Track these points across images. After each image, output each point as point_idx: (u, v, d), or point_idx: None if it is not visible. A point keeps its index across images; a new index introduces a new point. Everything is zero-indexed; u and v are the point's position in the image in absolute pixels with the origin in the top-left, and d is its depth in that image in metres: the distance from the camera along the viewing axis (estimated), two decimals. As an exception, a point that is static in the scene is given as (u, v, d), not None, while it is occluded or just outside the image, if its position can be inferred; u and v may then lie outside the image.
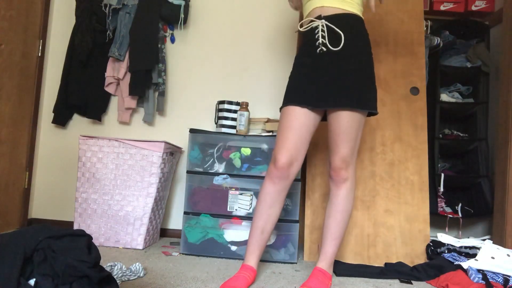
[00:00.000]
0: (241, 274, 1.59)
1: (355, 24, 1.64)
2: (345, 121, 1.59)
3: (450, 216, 2.67)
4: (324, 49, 1.60)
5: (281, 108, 1.68)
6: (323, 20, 1.61)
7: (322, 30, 1.60)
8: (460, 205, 2.73)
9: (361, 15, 1.68)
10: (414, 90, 2.36)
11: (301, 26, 1.70)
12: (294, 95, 1.63)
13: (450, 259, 1.96)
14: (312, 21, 1.64)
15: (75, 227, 2.23)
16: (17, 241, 1.08)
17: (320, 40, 1.60)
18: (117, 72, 2.52)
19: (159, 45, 2.55)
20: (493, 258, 1.83)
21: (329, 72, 1.59)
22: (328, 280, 1.64)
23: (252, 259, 1.65)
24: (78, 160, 2.31)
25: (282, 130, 1.63)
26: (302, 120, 1.61)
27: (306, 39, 1.69)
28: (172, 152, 2.37)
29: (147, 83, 2.51)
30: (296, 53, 1.76)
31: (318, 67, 1.61)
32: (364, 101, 1.60)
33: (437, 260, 1.98)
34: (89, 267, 1.08)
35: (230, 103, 2.36)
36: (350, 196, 1.67)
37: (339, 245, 1.70)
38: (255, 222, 1.64)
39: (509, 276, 1.74)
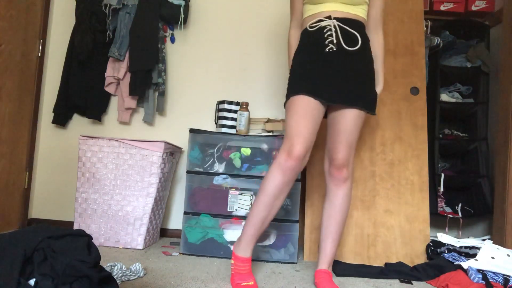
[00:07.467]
0: (247, 269, 1.60)
1: (362, 28, 1.65)
2: (352, 120, 1.60)
3: (450, 216, 2.67)
4: (334, 48, 1.58)
5: (289, 96, 1.61)
6: (334, 20, 1.60)
7: (335, 31, 1.59)
8: (460, 205, 2.73)
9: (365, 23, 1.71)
10: (414, 90, 2.36)
11: (311, 26, 1.65)
12: (306, 86, 1.57)
13: (450, 259, 1.96)
14: (320, 20, 1.62)
15: (75, 227, 2.24)
16: (17, 241, 1.08)
17: (334, 39, 1.58)
18: (117, 72, 2.52)
19: (159, 45, 2.55)
20: (493, 258, 1.83)
21: (340, 70, 1.58)
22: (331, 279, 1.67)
23: (249, 251, 1.61)
24: (78, 160, 2.31)
25: (298, 117, 1.54)
26: (316, 111, 1.56)
27: (312, 38, 1.64)
28: (172, 152, 2.37)
29: (147, 83, 2.51)
30: (296, 50, 1.73)
31: (328, 65, 1.58)
32: (371, 102, 1.64)
33: (437, 260, 1.98)
34: (89, 267, 1.08)
35: (230, 103, 2.36)
36: (350, 195, 1.70)
37: (338, 244, 1.74)
38: (258, 213, 1.56)
39: (509, 276, 1.74)
